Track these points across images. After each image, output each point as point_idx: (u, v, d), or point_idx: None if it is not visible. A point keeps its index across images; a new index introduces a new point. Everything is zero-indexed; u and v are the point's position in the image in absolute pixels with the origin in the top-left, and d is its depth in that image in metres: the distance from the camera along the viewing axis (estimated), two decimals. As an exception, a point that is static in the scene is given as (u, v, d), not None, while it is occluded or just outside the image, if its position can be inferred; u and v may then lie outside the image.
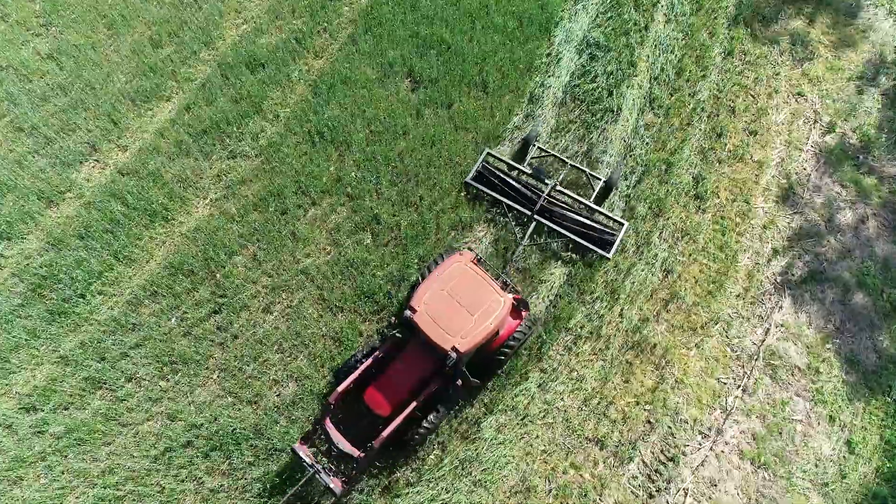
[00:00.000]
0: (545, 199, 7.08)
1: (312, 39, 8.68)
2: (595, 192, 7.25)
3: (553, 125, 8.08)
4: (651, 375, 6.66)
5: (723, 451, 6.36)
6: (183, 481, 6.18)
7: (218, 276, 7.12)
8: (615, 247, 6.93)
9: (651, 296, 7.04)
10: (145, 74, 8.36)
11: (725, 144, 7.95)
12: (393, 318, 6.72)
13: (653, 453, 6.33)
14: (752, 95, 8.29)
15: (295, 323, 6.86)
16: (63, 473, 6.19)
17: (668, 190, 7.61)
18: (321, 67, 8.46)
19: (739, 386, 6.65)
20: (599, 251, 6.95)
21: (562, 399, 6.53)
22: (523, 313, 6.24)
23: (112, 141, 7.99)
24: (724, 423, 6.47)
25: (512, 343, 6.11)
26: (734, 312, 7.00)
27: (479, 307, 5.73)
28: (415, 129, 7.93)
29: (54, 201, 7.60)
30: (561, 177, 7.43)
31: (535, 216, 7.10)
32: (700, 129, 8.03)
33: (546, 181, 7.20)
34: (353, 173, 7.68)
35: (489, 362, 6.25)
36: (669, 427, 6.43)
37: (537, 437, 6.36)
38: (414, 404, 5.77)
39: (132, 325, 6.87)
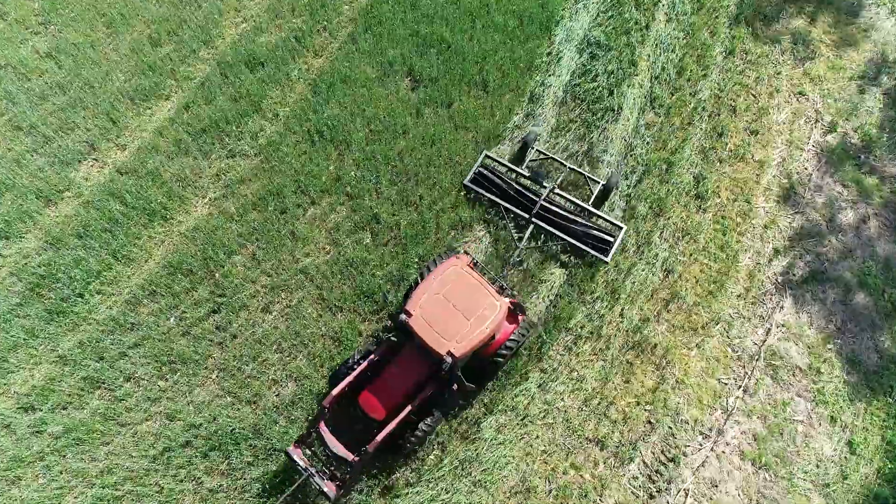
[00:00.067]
0: (543, 202, 7.05)
1: (312, 38, 8.66)
2: (594, 195, 7.22)
3: (553, 124, 8.06)
4: (652, 376, 6.64)
5: (724, 452, 6.34)
6: (182, 481, 6.16)
7: (217, 275, 7.10)
8: (613, 250, 6.90)
9: (652, 296, 7.01)
10: (144, 73, 8.34)
11: (726, 144, 7.93)
12: (388, 321, 6.68)
13: (653, 454, 6.31)
14: (753, 95, 8.27)
15: (294, 322, 6.84)
16: (61, 473, 6.17)
17: (668, 189, 7.59)
18: (321, 66, 8.44)
19: (740, 386, 6.62)
20: (597, 255, 6.92)
21: (562, 399, 6.50)
22: (520, 317, 6.20)
23: (111, 140, 7.96)
24: (724, 423, 6.44)
25: (508, 347, 6.07)
26: (735, 312, 6.98)
27: (475, 311, 5.69)
28: (415, 128, 7.91)
29: (53, 200, 7.58)
30: (559, 179, 7.40)
31: (533, 219, 7.07)
32: (701, 129, 8.01)
33: (544, 184, 7.17)
34: (352, 172, 7.66)
35: (485, 367, 6.21)
36: (670, 427, 6.41)
37: (537, 437, 6.34)
38: (409, 409, 5.73)
39: (131, 324, 6.85)
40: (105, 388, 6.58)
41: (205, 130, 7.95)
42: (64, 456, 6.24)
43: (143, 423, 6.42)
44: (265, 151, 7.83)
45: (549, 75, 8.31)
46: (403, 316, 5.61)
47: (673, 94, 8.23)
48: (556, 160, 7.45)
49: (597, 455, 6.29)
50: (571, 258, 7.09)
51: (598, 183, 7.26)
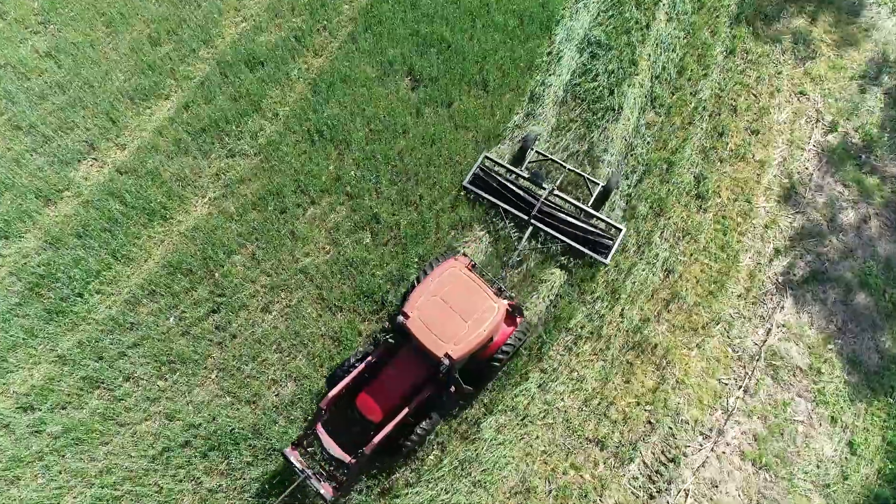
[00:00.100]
0: (542, 203, 7.02)
1: (312, 37, 8.65)
2: (593, 197, 7.19)
3: (554, 124, 8.04)
4: (652, 376, 6.63)
5: (724, 452, 6.32)
6: (181, 481, 6.15)
7: (216, 275, 7.08)
8: (612, 252, 6.88)
9: (652, 296, 7.00)
10: (144, 73, 8.33)
11: (727, 143, 7.91)
12: (388, 322, 6.67)
13: (653, 454, 6.29)
14: (753, 94, 8.25)
15: (294, 322, 6.83)
16: (60, 473, 6.16)
17: (669, 189, 7.57)
18: (321, 66, 8.42)
19: (741, 386, 6.61)
20: (596, 257, 6.90)
21: (562, 399, 6.49)
22: (518, 320, 6.17)
23: (110, 139, 7.95)
24: (725, 423, 6.43)
25: (506, 350, 6.05)
26: (735, 312, 6.97)
27: (473, 313, 5.67)
28: (415, 127, 7.90)
29: (52, 200, 7.57)
30: (559, 181, 7.38)
31: (532, 221, 7.05)
32: (701, 129, 7.99)
33: (544, 185, 7.14)
34: (352, 172, 7.65)
35: (483, 369, 6.18)
36: (670, 428, 6.39)
37: (537, 437, 6.33)
38: (406, 411, 5.71)
39: (130, 324, 6.84)
40: (104, 388, 6.57)
41: (204, 130, 7.94)
42: (63, 456, 6.23)
43: (142, 422, 6.41)
44: (265, 151, 7.82)
45: (550, 75, 8.29)
46: (401, 318, 5.59)
47: (673, 94, 8.21)
48: (556, 161, 7.43)
49: (597, 455, 6.28)
50: (571, 260, 7.07)
51: (598, 184, 7.24)
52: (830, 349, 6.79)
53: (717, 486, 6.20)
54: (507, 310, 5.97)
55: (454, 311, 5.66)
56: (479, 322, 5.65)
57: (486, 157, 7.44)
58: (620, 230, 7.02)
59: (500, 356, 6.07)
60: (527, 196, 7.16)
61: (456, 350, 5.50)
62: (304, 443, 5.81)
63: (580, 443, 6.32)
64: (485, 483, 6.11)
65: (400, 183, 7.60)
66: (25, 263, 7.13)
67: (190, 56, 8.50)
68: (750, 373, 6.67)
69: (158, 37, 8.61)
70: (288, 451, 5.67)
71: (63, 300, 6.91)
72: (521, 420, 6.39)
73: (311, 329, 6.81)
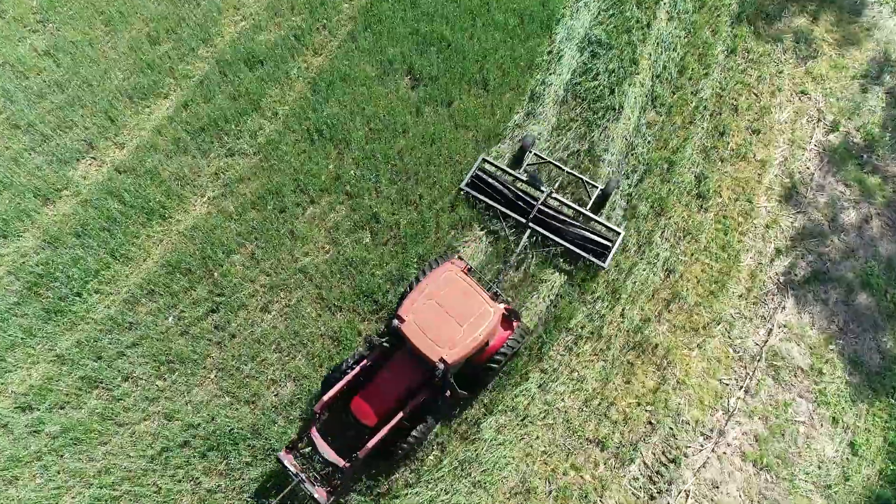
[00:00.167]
0: (540, 206, 6.99)
1: (311, 36, 8.62)
2: (592, 200, 7.16)
3: (554, 123, 8.02)
4: (652, 376, 6.60)
5: (725, 453, 6.30)
6: (180, 481, 6.13)
7: (216, 274, 7.06)
8: (611, 256, 6.85)
9: (653, 296, 6.98)
10: (143, 71, 8.30)
11: (728, 143, 7.88)
12: (382, 326, 6.65)
13: (654, 455, 6.27)
14: (755, 94, 8.22)
15: (293, 322, 6.81)
16: (59, 473, 6.14)
17: (670, 189, 7.55)
18: (320, 65, 8.40)
19: (742, 387, 6.59)
20: (595, 260, 6.87)
21: (562, 400, 6.47)
22: (514, 324, 6.12)
23: (109, 138, 7.93)
24: (726, 424, 6.41)
25: (503, 354, 6.00)
26: (736, 313, 6.94)
27: (469, 317, 5.62)
28: (414, 127, 7.87)
29: (51, 199, 7.55)
30: (557, 184, 7.35)
31: (530, 224, 7.01)
32: (702, 128, 7.96)
33: (542, 188, 7.10)
34: (352, 171, 7.62)
35: (479, 373, 6.14)
36: (671, 428, 6.37)
37: (537, 437, 6.31)
38: (400, 415, 5.67)
39: (129, 323, 6.82)
40: (103, 388, 6.55)
41: (203, 129, 7.91)
42: (61, 456, 6.21)
43: (141, 422, 6.39)
44: (264, 150, 7.80)
45: (550, 74, 8.27)
46: (396, 321, 5.55)
47: (674, 93, 8.18)
48: (554, 164, 7.39)
49: (597, 456, 6.25)
50: (569, 263, 7.03)
51: (596, 187, 7.20)
52: (832, 349, 6.76)
53: (717, 487, 6.18)
54: (503, 314, 5.92)
55: (450, 314, 5.61)
56: (474, 326, 5.60)
57: (485, 160, 7.40)
58: (619, 233, 6.98)
59: (497, 360, 6.01)
60: (525, 199, 7.12)
61: (451, 354, 5.45)
62: (299, 446, 5.77)
63: (580, 443, 6.30)
64: (485, 483, 6.09)
65: (400, 182, 7.58)
66: (24, 263, 7.11)
67: (189, 55, 8.47)
68: (751, 373, 6.65)
69: (157, 35, 8.58)
70: (282, 454, 5.63)
71: (62, 300, 6.88)
72: (522, 420, 6.37)
73: (310, 329, 6.79)
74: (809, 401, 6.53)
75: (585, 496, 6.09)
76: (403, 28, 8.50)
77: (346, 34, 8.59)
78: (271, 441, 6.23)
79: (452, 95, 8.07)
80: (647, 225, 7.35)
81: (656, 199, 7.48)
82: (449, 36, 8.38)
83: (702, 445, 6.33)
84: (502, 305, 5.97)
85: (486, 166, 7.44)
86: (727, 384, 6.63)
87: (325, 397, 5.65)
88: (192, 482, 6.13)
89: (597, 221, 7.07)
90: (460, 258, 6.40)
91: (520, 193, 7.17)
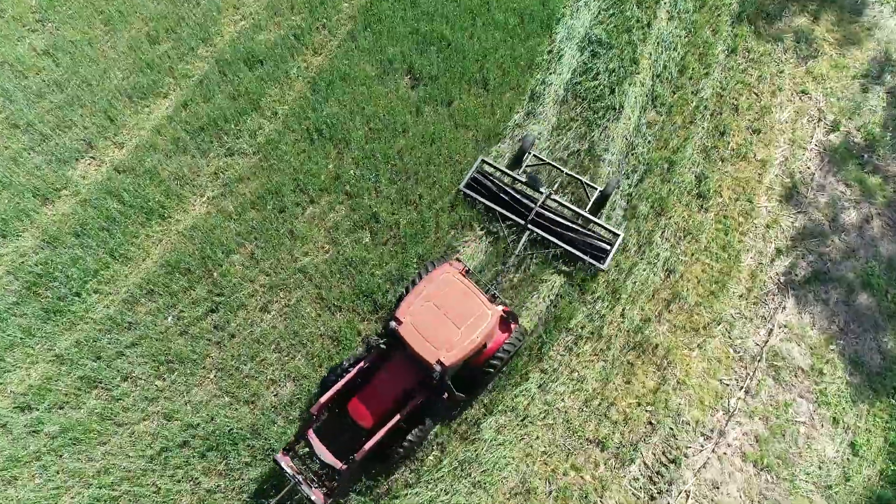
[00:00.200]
0: (539, 208, 6.97)
1: (311, 36, 8.61)
2: (591, 202, 7.13)
3: (554, 123, 8.00)
4: (653, 376, 6.59)
5: (725, 453, 6.29)
6: (179, 482, 6.12)
7: (215, 274, 7.05)
8: (610, 258, 6.83)
9: (653, 296, 6.96)
10: (142, 71, 8.29)
11: (728, 143, 7.87)
12: (380, 327, 6.63)
13: (654, 455, 6.26)
14: (755, 93, 8.21)
15: (293, 322, 6.80)
16: (58, 473, 6.13)
17: (670, 189, 7.53)
18: (320, 64, 8.38)
19: (742, 387, 6.57)
20: (593, 262, 6.84)
21: (562, 400, 6.46)
22: (512, 326, 6.10)
23: (108, 138, 7.92)
24: (726, 424, 6.40)
25: (500, 356, 5.97)
26: (737, 313, 6.93)
27: (466, 320, 5.60)
28: (414, 126, 7.86)
29: (50, 199, 7.53)
30: (557, 185, 7.33)
31: (529, 225, 6.99)
32: (703, 128, 7.95)
33: (541, 190, 7.07)
34: (351, 171, 7.61)
35: (477, 375, 6.12)
36: (671, 428, 6.36)
37: (537, 438, 6.29)
38: (397, 417, 5.64)
39: (128, 323, 6.80)
40: (102, 388, 6.53)
41: (203, 129, 7.90)
42: (60, 456, 6.20)
43: (140, 422, 6.38)
44: (264, 150, 7.78)
45: (550, 73, 8.25)
46: (393, 323, 5.53)
47: (675, 93, 8.17)
48: (553, 166, 7.37)
49: (597, 456, 6.24)
50: (568, 265, 7.00)
51: (596, 189, 7.18)
52: (832, 350, 6.75)
53: (718, 488, 6.17)
54: (501, 316, 5.90)
55: (447, 317, 5.58)
56: (472, 328, 5.57)
57: (484, 161, 7.38)
58: (618, 235, 6.96)
59: (495, 363, 5.98)
60: (524, 200, 7.09)
61: (448, 357, 5.43)
62: (296, 448, 5.75)
63: (581, 443, 6.28)
64: (485, 484, 6.08)
65: (399, 182, 7.56)
66: (23, 262, 7.10)
67: (189, 54, 8.46)
68: (751, 373, 6.63)
69: (157, 35, 8.57)
70: (279, 456, 5.60)
71: (61, 299, 6.87)
72: (522, 420, 6.36)
73: (309, 329, 6.78)
74: (810, 401, 6.52)
75: (585, 496, 6.08)
76: (403, 27, 8.49)
77: (346, 33, 8.58)
78: (271, 441, 6.22)
79: (452, 95, 8.05)
80: (648, 225, 7.33)
81: (656, 199, 7.47)
82: (449, 35, 8.37)
83: (702, 446, 6.31)
84: (500, 307, 5.94)
85: (485, 167, 7.42)
86: (727, 384, 6.61)
87: (322, 399, 5.63)
88: (191, 482, 6.12)
89: (596, 223, 7.05)
90: (458, 260, 6.38)
91: (519, 195, 7.15)
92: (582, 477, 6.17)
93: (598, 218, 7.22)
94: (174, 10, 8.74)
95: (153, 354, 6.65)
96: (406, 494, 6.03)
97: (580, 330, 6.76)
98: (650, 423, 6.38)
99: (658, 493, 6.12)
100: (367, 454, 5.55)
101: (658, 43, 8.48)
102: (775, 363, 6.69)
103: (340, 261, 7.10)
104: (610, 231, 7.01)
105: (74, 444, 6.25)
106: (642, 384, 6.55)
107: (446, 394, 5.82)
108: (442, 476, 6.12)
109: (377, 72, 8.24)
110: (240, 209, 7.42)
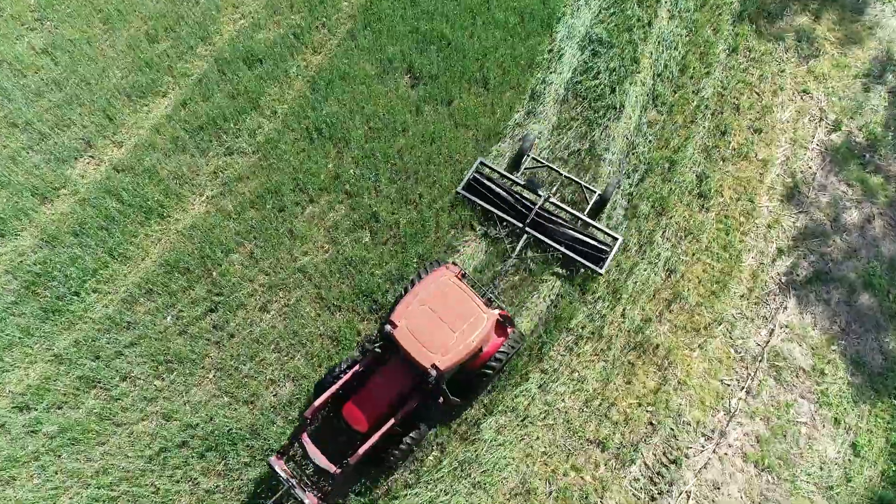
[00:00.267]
0: (537, 211, 6.93)
1: (311, 35, 8.58)
2: (590, 205, 7.10)
3: (555, 122, 7.98)
4: (653, 377, 6.57)
5: (726, 454, 6.27)
6: (178, 482, 6.10)
7: (214, 274, 7.03)
8: (608, 262, 6.80)
9: (654, 296, 6.94)
10: (141, 70, 8.26)
11: (730, 142, 7.84)
12: (375, 331, 6.60)
13: (655, 455, 6.24)
14: (756, 93, 8.18)
15: (292, 322, 6.78)
16: (56, 473, 6.11)
17: (671, 188, 7.51)
18: (319, 63, 8.36)
19: (743, 388, 6.55)
20: (591, 266, 6.81)
21: (563, 400, 6.43)
22: (509, 330, 6.05)
23: (107, 137, 7.89)
24: (727, 425, 6.38)
25: (496, 361, 5.92)
26: (738, 313, 6.90)
27: (462, 324, 5.55)
28: (414, 125, 7.83)
29: (48, 198, 7.51)
30: (555, 188, 7.29)
31: (527, 228, 6.96)
32: (704, 127, 7.92)
33: (539, 192, 7.04)
34: (351, 170, 7.59)
35: (473, 380, 6.07)
36: (672, 429, 6.34)
37: (538, 438, 6.27)
38: (392, 421, 5.60)
39: (127, 323, 6.78)
40: (101, 388, 6.51)
41: (202, 128, 7.87)
42: (59, 456, 6.18)
43: (139, 422, 6.35)
44: (263, 149, 7.76)
45: (551, 73, 8.23)
46: (388, 327, 5.49)
47: (675, 92, 8.14)
48: (552, 168, 7.34)
49: (598, 456, 6.22)
50: (566, 269, 6.96)
51: (595, 192, 7.15)
52: (834, 350, 6.73)
53: (718, 488, 6.14)
54: (497, 320, 5.86)
55: (443, 320, 5.53)
56: (467, 332, 5.53)
57: (482, 163, 7.35)
58: (617, 239, 6.93)
59: (490, 367, 5.94)
60: (522, 203, 7.06)
61: (443, 361, 5.39)
62: (290, 452, 5.70)
63: (581, 444, 6.26)
64: (484, 484, 6.06)
65: (399, 181, 7.54)
66: (22, 262, 7.08)
67: (188, 53, 8.43)
68: (752, 374, 6.61)
69: (156, 34, 8.54)
70: (273, 459, 5.56)
71: (59, 299, 6.85)
72: (522, 421, 6.34)
73: (309, 328, 6.75)
74: (811, 401, 6.49)
75: (586, 497, 6.06)
76: (403, 26, 8.46)
77: (346, 32, 8.55)
78: (270, 441, 6.20)
79: (452, 94, 8.03)
80: (649, 224, 7.31)
81: (657, 199, 7.44)
82: (449, 34, 8.34)
83: (703, 446, 6.29)
84: (496, 311, 5.91)
85: (484, 169, 7.39)
86: (728, 385, 6.59)
87: (316, 403, 5.58)
88: (190, 483, 6.10)
89: (594, 227, 7.02)
90: (454, 263, 6.34)
91: (517, 197, 7.11)
92: (582, 477, 6.15)
93: (598, 221, 7.19)
94: (173, 8, 8.72)
95: (152, 354, 6.63)
96: (406, 495, 6.01)
97: (581, 330, 6.74)
98: (651, 423, 6.35)
99: (659, 493, 6.10)
100: (361, 458, 5.50)
101: (659, 42, 8.45)
102: (776, 363, 6.67)
103: (340, 260, 7.07)
104: (609, 235, 6.98)
105: (73, 444, 6.23)
106: (643, 384, 6.53)
107: (441, 398, 5.78)
108: (442, 476, 6.10)
109: (377, 71, 8.21)
110: (239, 208, 7.40)
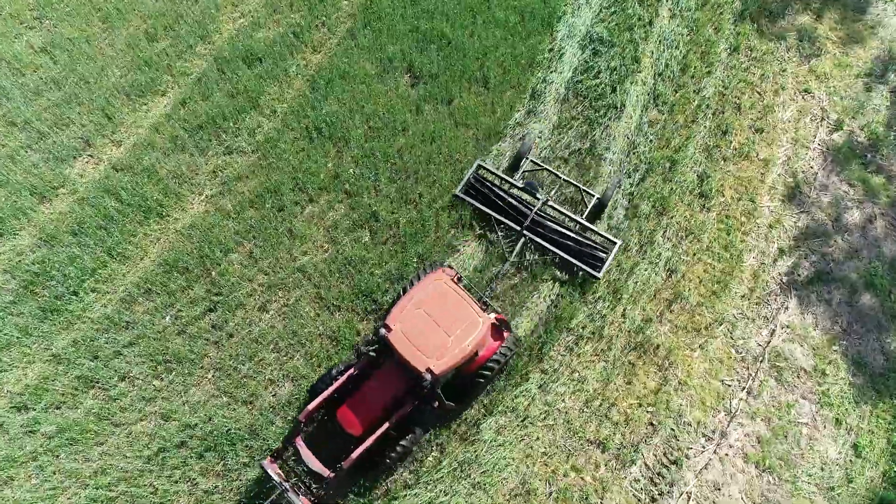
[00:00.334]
0: (536, 214, 6.90)
1: (310, 34, 8.55)
2: (588, 209, 7.07)
3: (555, 121, 7.95)
4: (654, 377, 6.54)
5: (727, 455, 6.25)
6: (177, 482, 6.08)
7: (213, 273, 7.00)
8: (605, 267, 6.77)
9: (654, 296, 6.91)
10: (140, 68, 8.24)
11: (731, 142, 7.82)
12: (370, 335, 6.57)
13: (655, 456, 6.22)
14: (758, 92, 8.15)
15: (291, 322, 6.75)
16: (55, 474, 6.09)
17: (672, 188, 7.48)
18: (319, 62, 8.33)
19: (744, 388, 6.53)
20: (589, 270, 6.78)
21: (563, 400, 6.41)
22: (505, 334, 6.01)
23: (106, 136, 7.87)
24: (728, 425, 6.35)
25: (492, 365, 5.88)
26: (739, 313, 6.88)
27: (458, 327, 5.52)
28: (414, 125, 7.81)
29: (47, 197, 7.49)
30: (554, 191, 7.26)
31: (525, 232, 6.93)
32: (705, 127, 7.90)
33: (538, 196, 7.01)
34: (351, 170, 7.56)
35: (468, 384, 6.04)
36: (672, 429, 6.31)
37: (538, 438, 6.25)
38: (386, 425, 5.56)
39: (126, 323, 6.76)
40: (99, 388, 6.49)
41: (201, 127, 7.85)
42: (57, 456, 6.16)
43: (137, 423, 6.33)
44: (262, 148, 7.73)
45: (551, 72, 8.20)
46: (383, 330, 5.46)
47: (676, 92, 8.12)
48: (551, 171, 7.30)
49: (598, 457, 6.20)
50: (564, 273, 6.92)
51: (593, 196, 7.12)
52: (835, 350, 6.70)
53: (719, 489, 6.12)
54: (493, 324, 5.83)
55: (438, 324, 5.50)
56: (463, 336, 5.49)
57: (480, 166, 7.32)
58: (615, 243, 6.90)
59: (486, 371, 5.90)
60: (520, 206, 7.02)
61: (438, 365, 5.35)
62: (284, 455, 5.67)
63: (581, 444, 6.24)
64: (484, 485, 6.04)
65: (399, 181, 7.51)
66: (20, 261, 7.05)
67: (187, 52, 8.40)
68: (753, 374, 6.59)
69: (155, 32, 8.51)
70: (266, 462, 5.52)
71: (58, 298, 6.83)
72: (522, 421, 6.31)
73: (308, 328, 6.73)
74: (812, 402, 6.47)
75: (586, 498, 6.03)
76: (403, 25, 8.43)
77: (346, 31, 8.53)
78: (269, 442, 6.18)
79: (453, 93, 8.00)
80: (649, 224, 7.28)
81: (658, 199, 7.42)
82: (449, 33, 8.32)
83: (703, 447, 6.27)
84: (492, 315, 5.88)
85: (483, 172, 7.35)
86: (729, 385, 6.57)
87: (310, 406, 5.55)
88: (189, 483, 6.08)
89: (593, 231, 6.98)
90: (450, 266, 6.31)
91: (515, 201, 7.07)
92: (582, 478, 6.13)
93: (597, 224, 7.17)
94: (172, 7, 8.69)
95: (151, 354, 6.61)
96: (405, 495, 5.99)
97: (581, 330, 6.72)
98: (651, 423, 6.33)
99: (659, 494, 6.08)
100: (354, 462, 5.46)
101: (660, 41, 8.43)
102: (777, 364, 6.64)
103: (339, 260, 7.05)
104: (607, 238, 6.95)
105: (71, 444, 6.20)
106: (643, 385, 6.50)
107: (437, 402, 5.75)
108: (441, 477, 6.07)
109: (377, 70, 8.19)
110: (238, 208, 7.37)
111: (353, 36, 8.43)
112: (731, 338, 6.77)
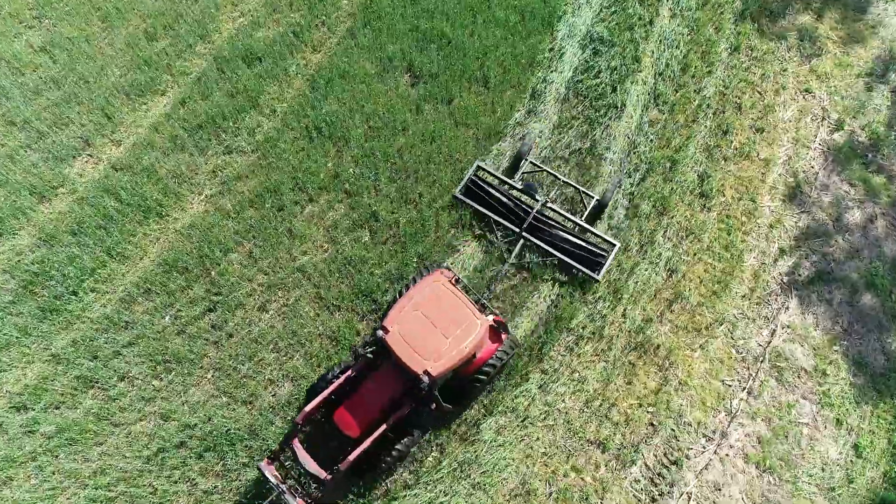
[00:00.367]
0: (535, 216, 6.88)
1: (310, 33, 8.54)
2: (587, 210, 7.06)
3: (555, 121, 7.94)
4: (654, 377, 6.53)
5: (727, 455, 6.24)
6: (176, 482, 6.07)
7: (213, 273, 6.99)
8: (604, 269, 6.76)
9: (655, 296, 6.90)
10: (140, 68, 8.22)
11: (731, 142, 7.80)
12: (368, 336, 6.56)
13: (655, 456, 6.21)
14: (758, 92, 8.14)
15: (291, 322, 6.74)
16: (54, 474, 6.08)
17: (672, 188, 7.47)
18: (319, 62, 8.32)
19: (744, 388, 6.52)
20: (588, 272, 6.76)
21: (563, 401, 6.40)
22: (503, 336, 5.99)
23: (106, 135, 7.86)
24: (728, 425, 6.34)
25: (490, 367, 5.86)
26: (740, 313, 6.87)
27: (455, 329, 5.49)
28: (414, 124, 7.79)
29: (46, 197, 7.48)
30: (553, 193, 7.24)
31: (524, 233, 6.92)
32: (705, 126, 7.89)
33: (537, 197, 6.99)
34: (351, 170, 7.55)
35: (466, 386, 6.01)
36: (673, 430, 6.30)
37: (538, 439, 6.24)
38: (383, 427, 5.54)
39: (125, 323, 6.75)
40: (99, 388, 6.48)
41: (201, 126, 7.84)
42: (56, 456, 6.15)
43: (137, 423, 6.32)
44: (262, 148, 7.72)
45: (552, 71, 8.19)
46: (380, 332, 5.44)
47: (677, 91, 8.10)
48: (550, 173, 7.28)
49: (598, 457, 6.19)
50: (563, 274, 6.91)
51: (592, 198, 7.10)
52: (836, 350, 6.69)
53: (720, 489, 6.11)
54: (491, 326, 5.81)
55: (436, 326, 5.48)
56: (460, 338, 5.47)
57: (479, 167, 7.31)
58: (614, 245, 6.89)
59: (484, 373, 5.88)
60: (520, 207, 7.01)
61: (436, 367, 5.33)
62: (281, 457, 5.65)
63: (581, 445, 6.23)
64: (484, 485, 6.03)
65: (399, 181, 7.50)
66: (19, 261, 7.04)
67: (186, 51, 8.39)
68: (754, 374, 6.58)
69: (155, 32, 8.50)
70: (263, 464, 5.50)
71: (57, 298, 6.82)
72: (522, 421, 6.30)
73: (308, 328, 6.72)
74: (813, 402, 6.46)
75: (586, 498, 6.02)
76: (403, 25, 8.42)
77: (346, 31, 8.51)
78: (269, 442, 6.17)
79: (453, 93, 7.99)
80: (650, 224, 7.27)
81: (658, 198, 7.41)
82: (449, 33, 8.30)
83: (704, 447, 6.26)
84: (490, 317, 5.86)
85: (481, 173, 7.34)
86: (730, 385, 6.56)
87: (307, 408, 5.52)
88: (188, 483, 6.07)
89: (592, 233, 6.97)
90: (448, 268, 6.30)
91: (514, 202, 7.05)
92: (582, 478, 6.12)
93: (597, 225, 7.15)
94: (172, 6, 8.68)
95: (150, 354, 6.60)
96: (405, 496, 5.98)
97: (581, 330, 6.70)
98: (651, 424, 6.32)
99: (659, 494, 6.07)
100: (351, 464, 5.44)
101: (660, 41, 8.42)
102: (778, 364, 6.63)
103: (339, 260, 7.04)
104: (606, 240, 6.93)
105: (70, 444, 6.19)
106: (644, 385, 6.49)
107: (434, 404, 5.74)
108: (441, 477, 6.06)
109: (377, 69, 8.17)
110: (238, 207, 7.36)
111: (353, 35, 8.42)
112: (732, 338, 6.76)
